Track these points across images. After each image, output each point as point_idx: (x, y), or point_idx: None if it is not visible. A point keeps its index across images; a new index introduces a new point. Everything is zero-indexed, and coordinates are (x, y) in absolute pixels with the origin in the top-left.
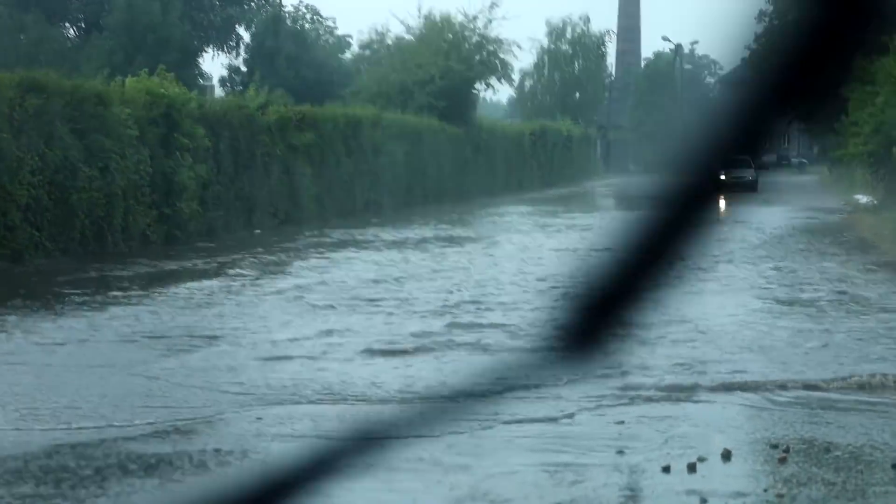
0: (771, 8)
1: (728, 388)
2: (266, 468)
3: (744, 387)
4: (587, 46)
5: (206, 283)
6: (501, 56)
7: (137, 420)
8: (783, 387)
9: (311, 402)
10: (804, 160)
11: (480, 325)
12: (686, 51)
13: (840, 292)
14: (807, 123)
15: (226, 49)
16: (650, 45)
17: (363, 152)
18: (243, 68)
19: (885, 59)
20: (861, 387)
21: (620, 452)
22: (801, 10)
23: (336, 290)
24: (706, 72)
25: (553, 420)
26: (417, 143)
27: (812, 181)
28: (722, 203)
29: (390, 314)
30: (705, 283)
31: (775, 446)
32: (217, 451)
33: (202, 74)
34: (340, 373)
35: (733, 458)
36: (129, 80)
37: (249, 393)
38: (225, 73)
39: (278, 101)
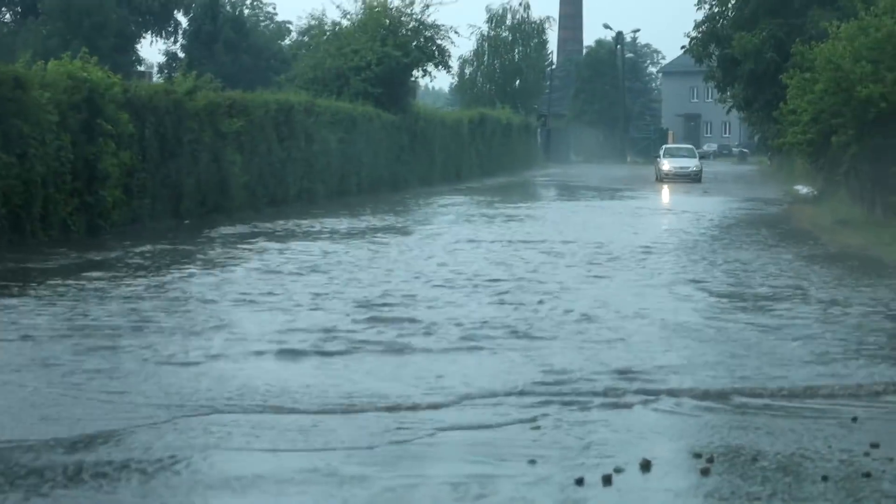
0: None
1: (651, 392)
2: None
3: (669, 391)
4: (527, 33)
5: (123, 276)
6: (439, 42)
7: (34, 436)
8: (709, 392)
9: (217, 411)
10: (745, 150)
11: (400, 322)
12: (628, 39)
13: (775, 286)
14: (746, 111)
15: (164, 35)
16: (592, 33)
17: (296, 139)
18: (181, 54)
19: (825, 44)
20: (793, 394)
21: (532, 462)
22: None
23: (255, 284)
24: (648, 61)
25: (468, 427)
26: (352, 130)
27: (753, 171)
28: (664, 193)
29: (313, 309)
30: (635, 275)
31: (698, 455)
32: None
33: (140, 60)
34: (249, 377)
35: (653, 469)
36: (50, 64)
37: (150, 404)
38: (163, 59)
39: (207, 86)
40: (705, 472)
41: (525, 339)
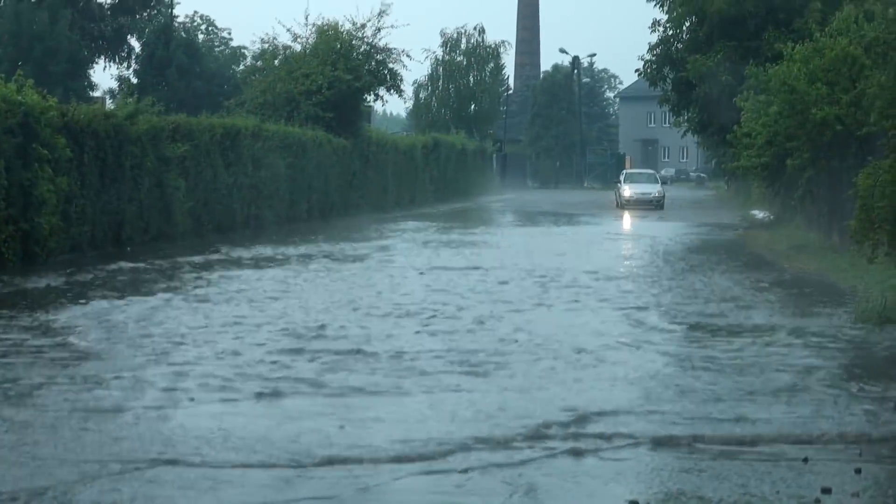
0: (665, 17)
1: (585, 434)
2: None
3: (606, 433)
4: (482, 58)
5: (55, 307)
6: (391, 66)
7: None
8: (655, 436)
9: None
10: (703, 174)
11: (328, 354)
12: (585, 64)
13: (727, 314)
14: (701, 135)
15: (117, 60)
16: (550, 58)
17: (242, 165)
18: (134, 80)
19: (779, 66)
20: (741, 441)
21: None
22: (693, 18)
23: (190, 316)
24: (605, 86)
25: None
26: (301, 155)
27: (710, 196)
28: (622, 219)
29: (241, 339)
30: (583, 302)
31: (634, 503)
32: None
33: (92, 86)
34: (182, 422)
35: None
36: None
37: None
38: (116, 84)
39: (150, 110)
40: None
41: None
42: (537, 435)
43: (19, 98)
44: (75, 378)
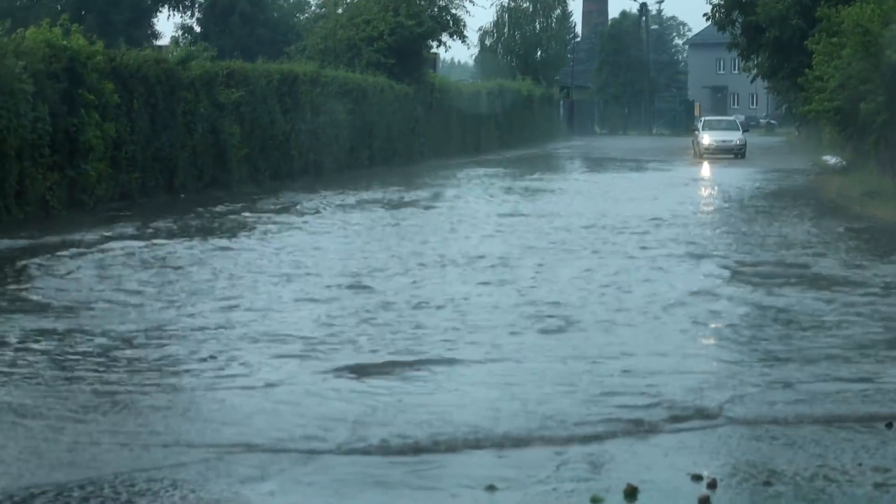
0: None
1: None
2: None
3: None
4: (549, 4)
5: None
6: (454, 11)
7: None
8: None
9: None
10: (773, 121)
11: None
12: (653, 11)
13: (798, 265)
14: (771, 80)
15: (180, 8)
16: (618, 4)
17: (301, 111)
18: (197, 28)
19: (851, 7)
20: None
21: (491, 489)
22: None
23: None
24: (674, 33)
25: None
26: (362, 101)
27: (780, 142)
28: (691, 165)
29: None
30: (652, 251)
31: (698, 478)
32: None
33: (155, 34)
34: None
35: (639, 497)
36: (28, 32)
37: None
38: (179, 33)
39: (203, 55)
40: (704, 502)
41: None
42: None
43: (64, 43)
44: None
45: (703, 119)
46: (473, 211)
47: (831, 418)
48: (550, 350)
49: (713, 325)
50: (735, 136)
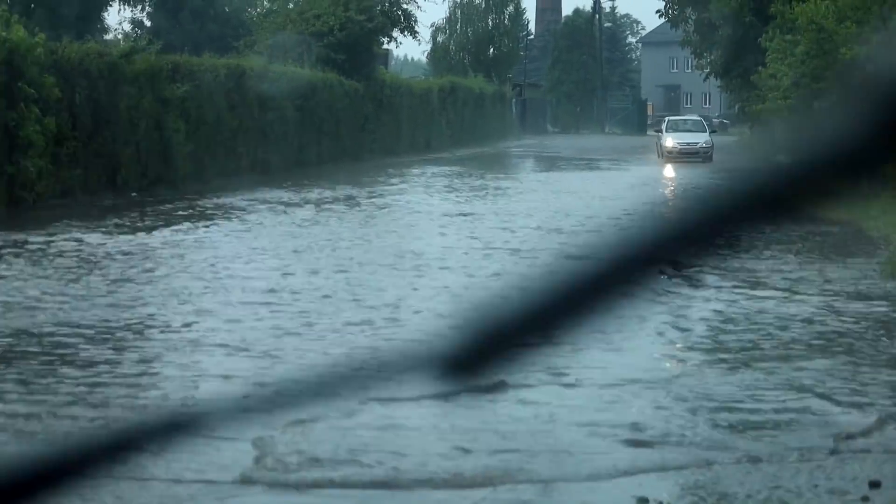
0: None
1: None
2: None
3: None
4: (501, 0)
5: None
6: (405, 6)
7: None
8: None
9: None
10: (725, 120)
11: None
12: (606, 9)
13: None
14: (724, 79)
15: (131, 2)
16: (571, 2)
17: (248, 107)
18: (148, 23)
19: (806, 4)
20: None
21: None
22: None
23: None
24: (628, 31)
25: None
26: (311, 97)
27: (733, 142)
28: (642, 164)
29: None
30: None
31: (644, 500)
32: None
33: (105, 29)
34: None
35: None
36: None
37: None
38: (129, 27)
39: (147, 49)
40: None
41: None
42: None
43: (3, 34)
44: None
45: (666, 119)
46: (416, 210)
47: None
48: None
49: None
50: (701, 139)
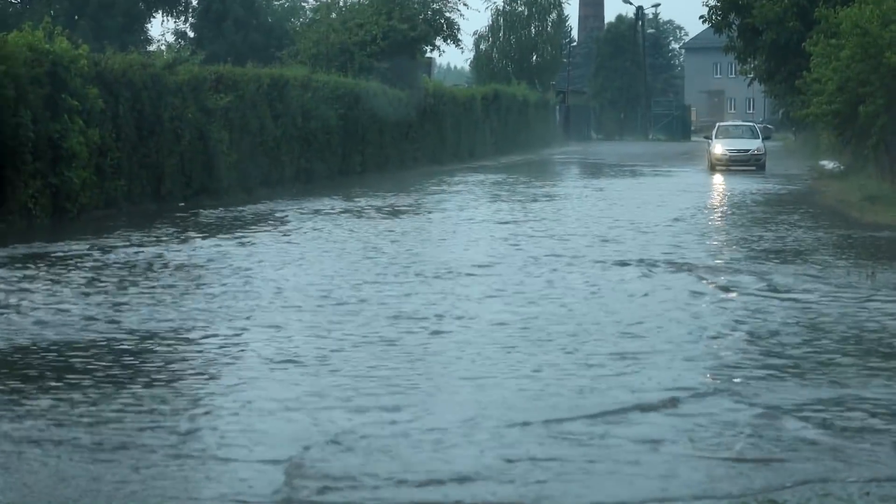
0: None
1: None
2: None
3: None
4: (544, 7)
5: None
6: (448, 15)
7: None
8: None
9: None
10: (769, 126)
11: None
12: (649, 15)
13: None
14: (768, 84)
15: (174, 13)
16: (614, 9)
17: (291, 116)
18: (191, 33)
19: (850, 8)
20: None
21: None
22: None
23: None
24: (671, 37)
25: None
26: (354, 106)
27: (777, 147)
28: (688, 170)
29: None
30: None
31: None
32: None
33: (149, 40)
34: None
35: None
36: (10, 35)
37: None
38: (172, 38)
39: (190, 60)
40: None
41: None
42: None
43: (47, 46)
44: None
45: (717, 125)
46: (466, 219)
47: None
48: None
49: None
50: (753, 145)
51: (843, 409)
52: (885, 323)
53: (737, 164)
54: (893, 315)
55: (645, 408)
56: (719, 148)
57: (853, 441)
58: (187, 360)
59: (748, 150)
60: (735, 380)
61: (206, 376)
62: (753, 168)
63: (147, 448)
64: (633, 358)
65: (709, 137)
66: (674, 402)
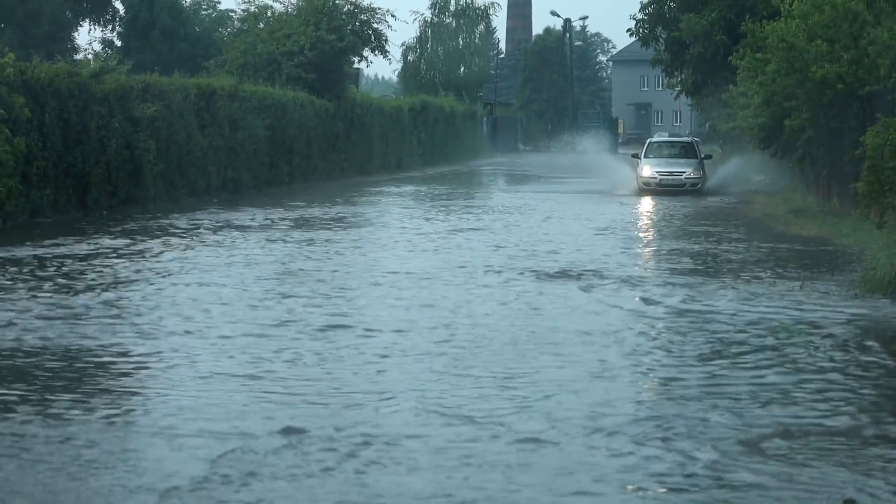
0: None
1: None
2: None
3: None
4: (472, 19)
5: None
6: (375, 26)
7: None
8: None
9: None
10: (696, 139)
11: None
12: (577, 27)
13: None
14: (695, 97)
15: (101, 22)
16: (542, 21)
17: (219, 126)
18: (118, 42)
19: (776, 23)
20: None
21: None
22: None
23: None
24: (598, 49)
25: None
26: (282, 117)
27: (705, 151)
28: (612, 181)
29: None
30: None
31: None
32: None
33: (76, 49)
34: None
35: None
36: None
37: None
38: (99, 47)
39: (117, 69)
40: None
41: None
42: None
43: None
44: None
45: (647, 141)
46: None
47: None
48: None
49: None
50: (688, 168)
51: None
52: None
53: (669, 188)
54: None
55: None
56: (647, 170)
57: None
58: None
59: (682, 174)
60: None
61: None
62: (687, 193)
63: None
64: None
65: (636, 155)
66: None
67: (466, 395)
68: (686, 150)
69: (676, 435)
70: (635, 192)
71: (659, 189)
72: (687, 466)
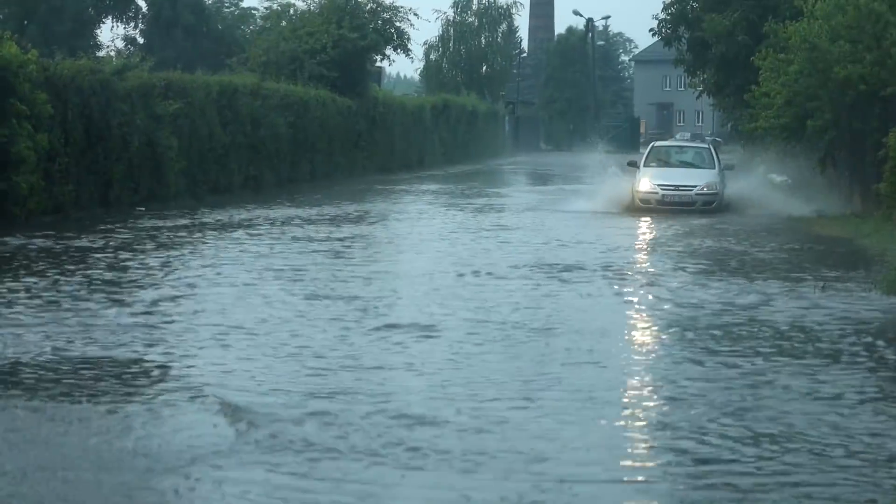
0: None
1: None
2: None
3: None
4: (494, 18)
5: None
6: (398, 24)
7: None
8: None
9: None
10: (718, 139)
11: None
12: (599, 27)
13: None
14: (717, 97)
15: (124, 19)
16: (564, 21)
17: (240, 124)
18: (140, 39)
19: (799, 23)
20: None
21: None
22: None
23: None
24: (620, 49)
25: None
26: (303, 114)
27: (725, 160)
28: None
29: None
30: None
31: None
32: None
33: (98, 46)
34: None
35: None
36: None
37: None
38: (122, 44)
39: (140, 66)
40: None
41: None
42: None
43: None
44: None
45: (651, 145)
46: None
47: None
48: None
49: None
50: (700, 181)
51: None
52: None
53: (673, 206)
54: None
55: None
56: (646, 183)
57: None
58: None
59: (692, 188)
60: None
61: None
62: (697, 211)
63: None
64: None
65: (635, 163)
66: None
67: None
68: (700, 157)
69: None
70: (628, 210)
71: (661, 208)
72: None
